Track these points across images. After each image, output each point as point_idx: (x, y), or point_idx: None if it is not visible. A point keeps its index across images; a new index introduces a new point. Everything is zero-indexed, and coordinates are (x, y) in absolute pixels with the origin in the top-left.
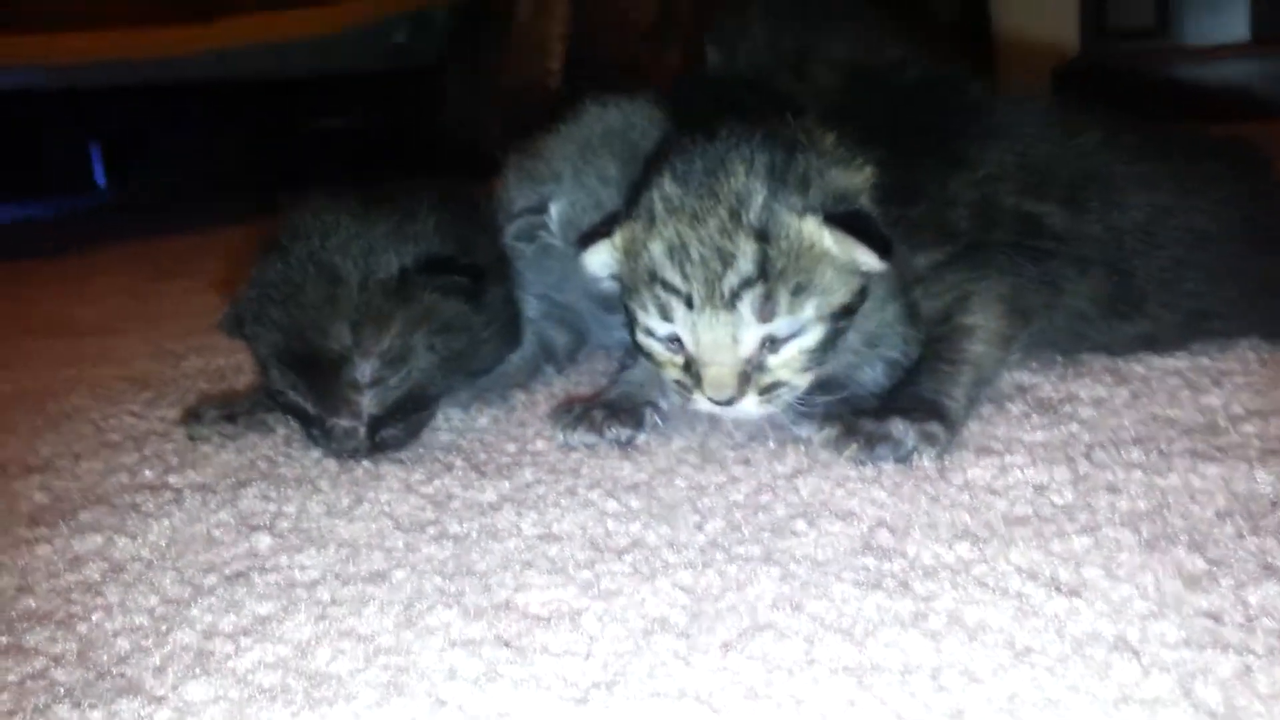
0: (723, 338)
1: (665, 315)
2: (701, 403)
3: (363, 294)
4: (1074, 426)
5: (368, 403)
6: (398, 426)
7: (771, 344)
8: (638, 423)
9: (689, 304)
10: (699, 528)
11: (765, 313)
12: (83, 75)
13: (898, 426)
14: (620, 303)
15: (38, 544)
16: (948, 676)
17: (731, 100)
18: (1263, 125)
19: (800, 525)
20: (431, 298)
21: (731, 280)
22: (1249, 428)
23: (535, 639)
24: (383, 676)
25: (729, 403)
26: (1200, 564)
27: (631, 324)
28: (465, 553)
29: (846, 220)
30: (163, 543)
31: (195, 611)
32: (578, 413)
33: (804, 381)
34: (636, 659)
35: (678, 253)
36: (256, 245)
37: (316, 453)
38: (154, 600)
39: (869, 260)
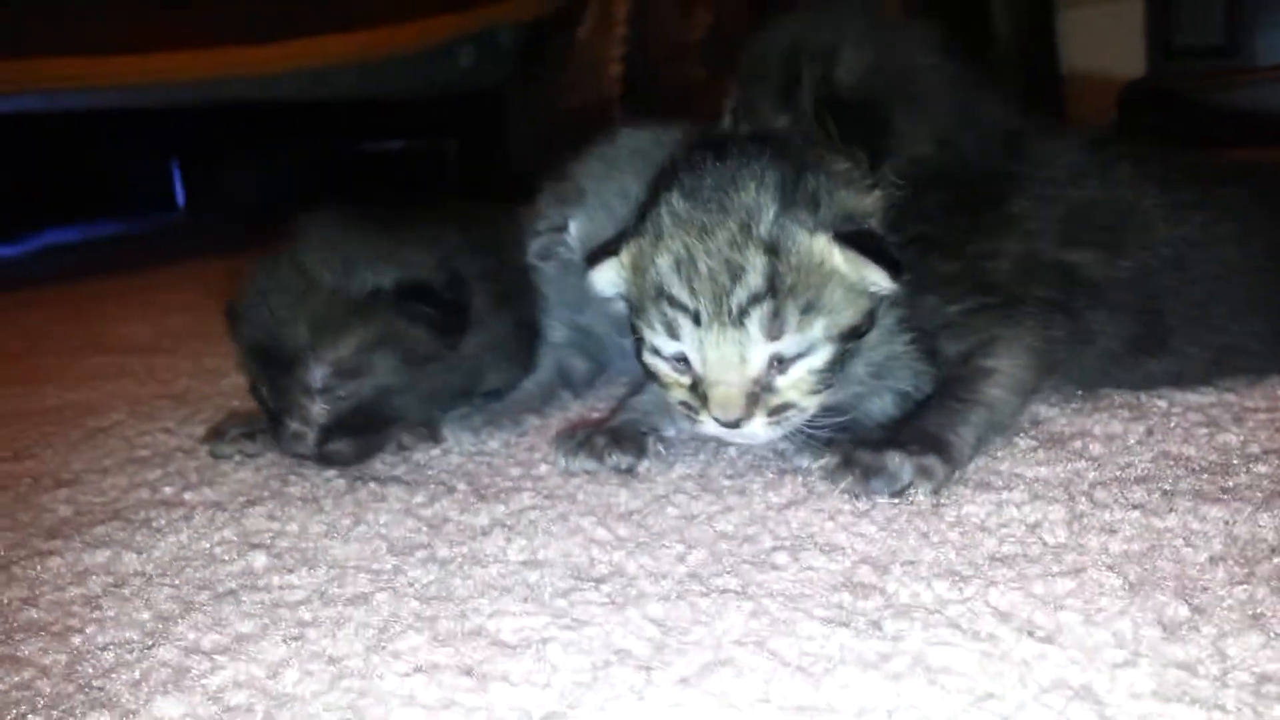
0: (730, 356)
1: (672, 333)
2: (708, 425)
3: (330, 302)
4: (1081, 463)
5: (318, 410)
6: (346, 442)
7: (780, 364)
8: (640, 450)
9: (696, 320)
10: (681, 559)
11: (774, 330)
12: (164, 95)
13: (894, 460)
14: (628, 323)
15: (50, 556)
16: (901, 719)
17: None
18: None
19: (782, 559)
20: (398, 322)
21: (740, 295)
22: (1262, 468)
23: (498, 667)
24: (343, 700)
25: (736, 424)
26: (1183, 611)
27: (638, 344)
28: (449, 577)
29: (856, 239)
30: (166, 558)
31: (181, 628)
32: (580, 439)
33: (812, 404)
34: (592, 691)
35: (685, 267)
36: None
37: (329, 472)
38: (146, 615)
39: (879, 279)
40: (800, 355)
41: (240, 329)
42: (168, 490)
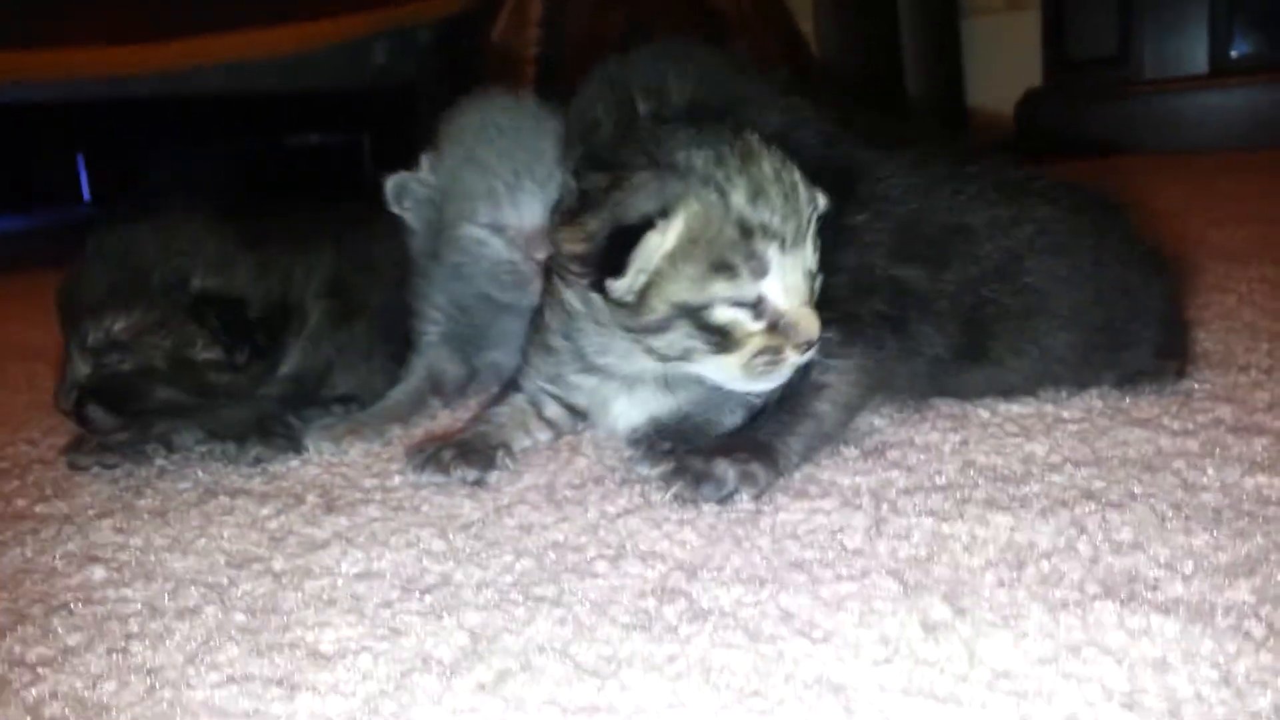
0: (802, 280)
1: (759, 271)
2: (790, 360)
3: (134, 277)
4: (895, 472)
5: (80, 368)
6: (102, 410)
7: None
8: (488, 463)
9: (783, 245)
10: (509, 568)
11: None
12: (70, 90)
13: (720, 466)
14: (664, 325)
15: None
16: (671, 716)
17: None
18: (1217, 156)
19: (601, 567)
20: (187, 322)
21: (807, 209)
22: (1057, 477)
23: (308, 677)
24: (154, 710)
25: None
26: (946, 613)
27: (698, 325)
28: (280, 590)
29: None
30: (8, 572)
31: (9, 641)
32: (429, 452)
33: None
34: (393, 698)
35: (760, 197)
36: None
37: (182, 484)
38: None
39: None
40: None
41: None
42: (20, 503)
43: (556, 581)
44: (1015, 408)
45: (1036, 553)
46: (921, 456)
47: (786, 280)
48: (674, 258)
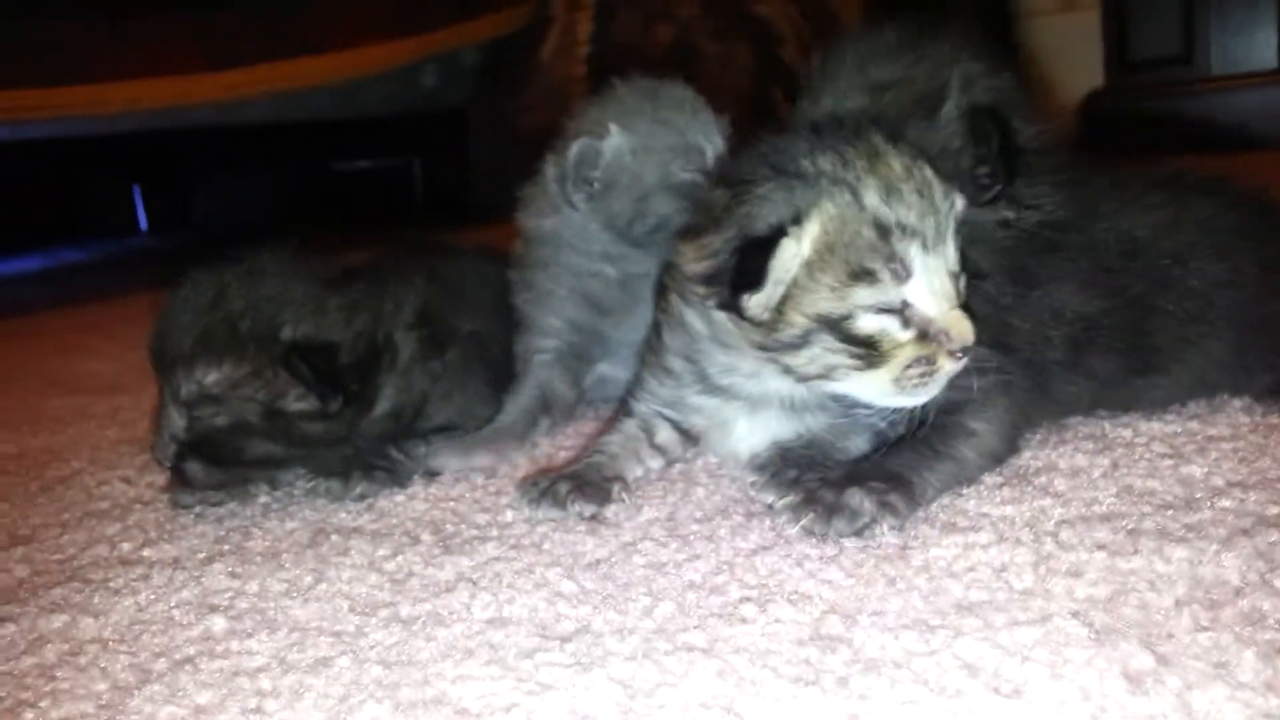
0: (949, 281)
1: (900, 274)
2: (945, 369)
3: (224, 327)
4: (1046, 500)
5: (177, 421)
6: (200, 465)
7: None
8: (604, 497)
9: (925, 245)
10: (648, 612)
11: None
12: (127, 123)
13: (855, 498)
14: (803, 340)
15: (4, 624)
16: None
17: None
18: None
19: (749, 610)
20: (278, 373)
21: (944, 205)
22: (1226, 502)
23: None
24: None
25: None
26: (1149, 662)
27: (842, 338)
28: (411, 638)
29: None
30: (124, 623)
31: (137, 700)
32: (544, 486)
33: None
34: None
35: (894, 195)
36: None
37: (289, 524)
38: (103, 686)
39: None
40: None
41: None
42: (126, 547)
43: (704, 628)
44: (1158, 425)
45: (1228, 589)
46: (1071, 482)
47: (932, 282)
48: (810, 267)
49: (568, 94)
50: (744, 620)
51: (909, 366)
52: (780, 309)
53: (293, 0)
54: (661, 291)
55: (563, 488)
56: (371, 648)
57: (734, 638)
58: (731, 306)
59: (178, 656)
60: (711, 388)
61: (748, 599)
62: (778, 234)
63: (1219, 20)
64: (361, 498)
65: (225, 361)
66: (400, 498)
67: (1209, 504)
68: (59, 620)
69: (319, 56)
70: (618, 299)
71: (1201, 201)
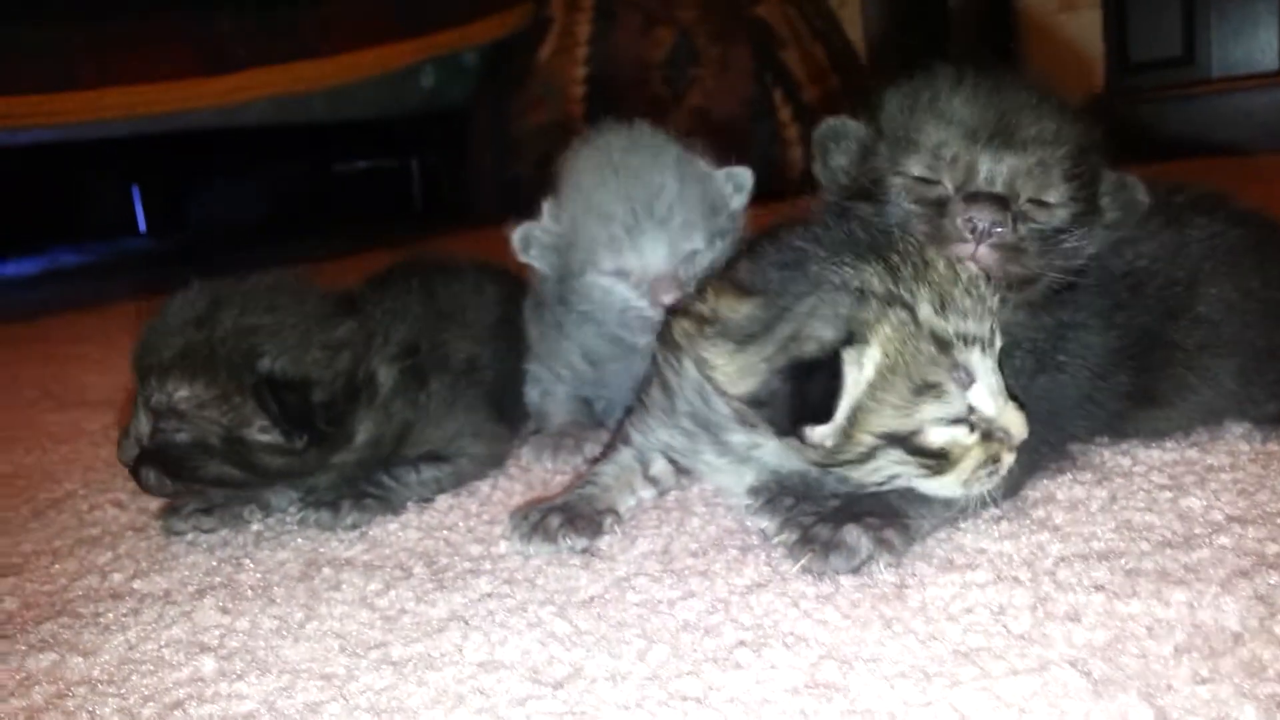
0: (998, 376)
1: (965, 382)
2: (1006, 463)
3: (204, 347)
4: (1044, 535)
5: (143, 426)
6: (156, 474)
7: None
8: (595, 530)
9: (984, 348)
10: (642, 656)
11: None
12: (128, 128)
13: (852, 534)
14: (868, 457)
15: None
16: None
17: None
18: None
19: (744, 655)
20: (249, 405)
21: (993, 301)
22: (1225, 540)
23: None
24: None
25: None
26: (1148, 715)
27: (910, 451)
28: (402, 682)
29: None
30: (114, 662)
31: None
32: (534, 520)
33: None
34: None
35: (948, 303)
36: None
37: (281, 555)
38: None
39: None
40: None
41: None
42: (117, 578)
43: (698, 674)
44: (1156, 454)
45: (1228, 636)
46: (1069, 515)
47: (990, 383)
48: (873, 388)
49: (567, 96)
50: (738, 666)
51: (978, 468)
52: (845, 430)
53: (291, 3)
54: (666, 342)
55: (554, 521)
56: (362, 692)
57: (727, 685)
58: (793, 434)
59: (167, 700)
60: (729, 452)
61: (742, 642)
62: (833, 357)
63: (1219, 22)
64: (353, 526)
65: (197, 380)
66: (394, 525)
67: (1208, 541)
68: (47, 659)
69: (317, 60)
70: (609, 351)
71: (1201, 222)
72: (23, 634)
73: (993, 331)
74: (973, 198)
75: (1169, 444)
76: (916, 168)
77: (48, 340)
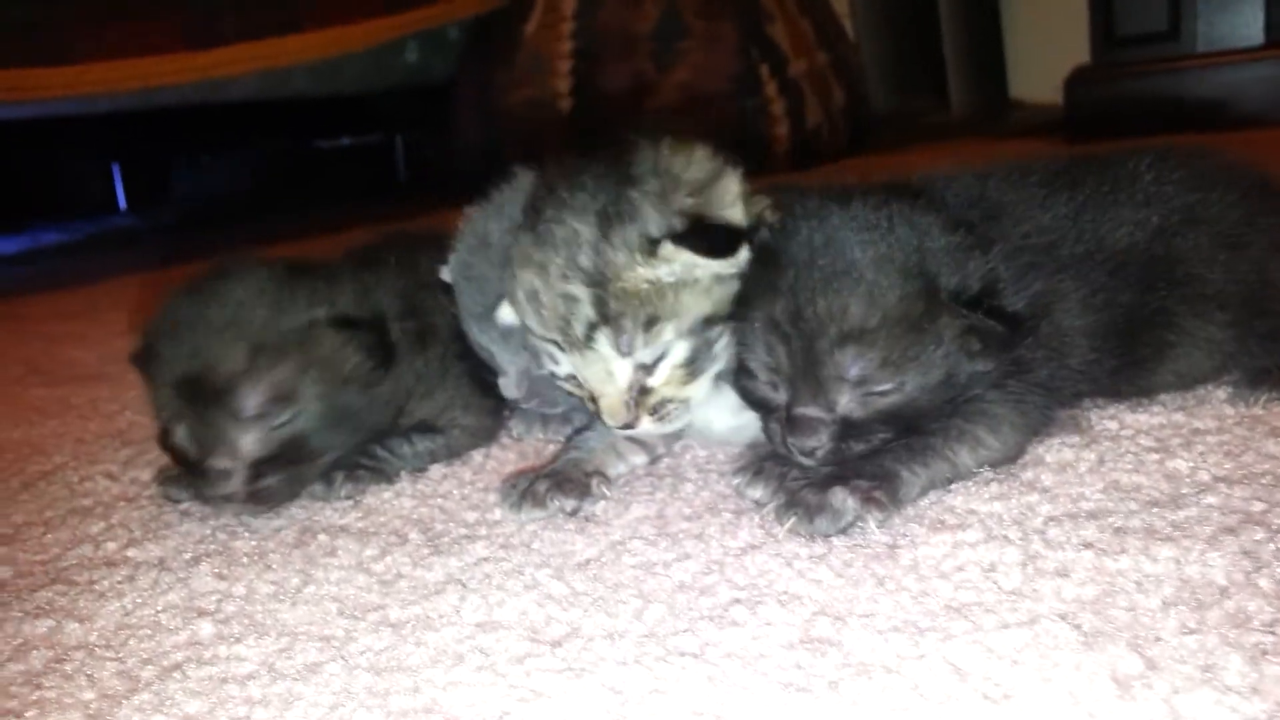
0: (598, 372)
1: (552, 357)
2: (611, 428)
3: (265, 328)
4: (1034, 496)
5: (250, 442)
6: (278, 478)
7: (645, 368)
8: (583, 492)
9: (559, 347)
10: (639, 615)
11: (624, 347)
12: (106, 102)
13: (838, 496)
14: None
15: None
16: None
17: None
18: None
19: (740, 613)
20: (333, 345)
21: (578, 326)
22: (1211, 499)
23: None
24: None
25: (628, 427)
26: (1137, 666)
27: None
28: (401, 643)
29: (689, 236)
30: (111, 627)
31: (126, 710)
32: (523, 487)
33: (694, 392)
34: None
35: (533, 301)
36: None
37: (277, 523)
38: (90, 695)
39: (712, 265)
40: (659, 359)
41: (157, 365)
42: (111, 547)
43: (694, 631)
44: (1144, 417)
45: (1214, 589)
46: (1058, 477)
47: (581, 372)
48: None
49: (553, 70)
50: (734, 623)
51: (591, 410)
52: None
53: None
54: None
55: (541, 486)
56: (361, 653)
57: (724, 642)
58: None
59: (166, 663)
60: None
61: (737, 600)
62: None
63: None
64: (347, 498)
65: (285, 356)
66: (388, 494)
67: (1195, 500)
68: (44, 625)
69: (301, 34)
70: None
71: (1184, 192)
72: (18, 601)
73: (572, 340)
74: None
75: (1155, 408)
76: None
77: (30, 318)
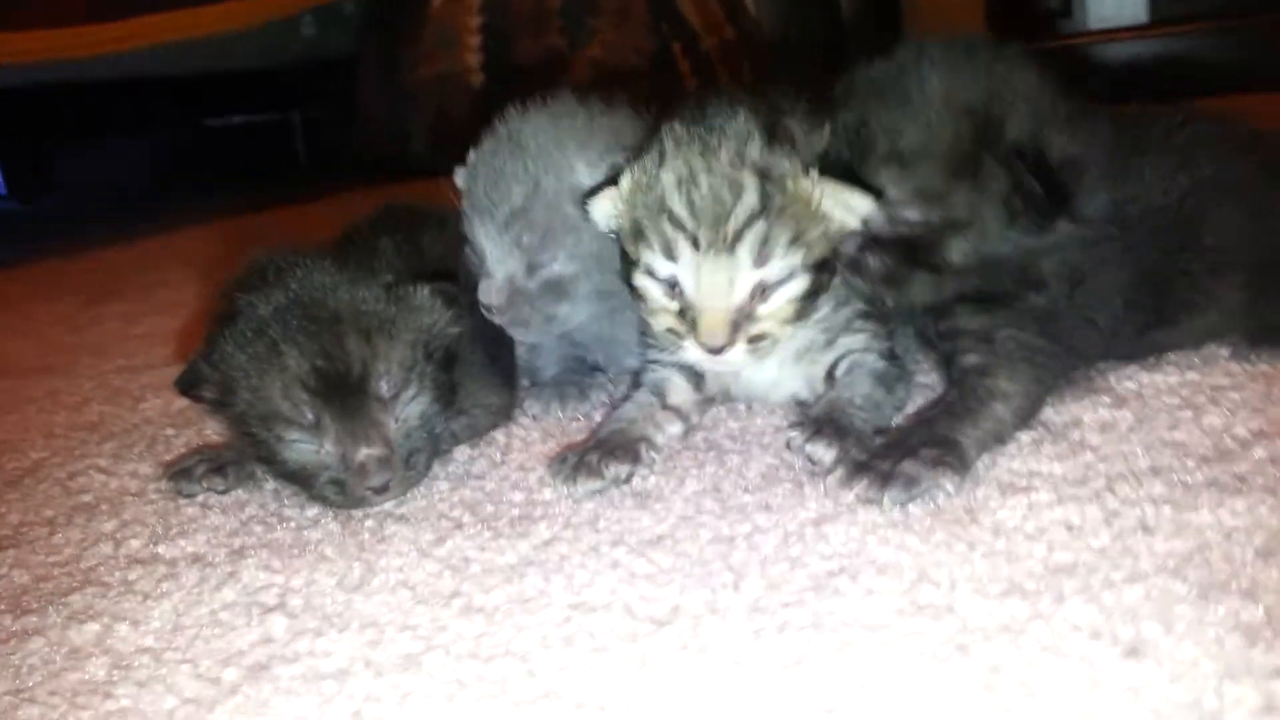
0: (721, 282)
1: (670, 254)
2: (691, 350)
3: (362, 308)
4: (1088, 456)
5: (396, 428)
6: (421, 456)
7: (762, 293)
8: (634, 459)
9: (695, 244)
10: (736, 588)
11: (762, 254)
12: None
13: (910, 465)
14: (619, 251)
15: (29, 637)
16: None
17: None
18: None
19: (842, 582)
20: (423, 300)
21: (739, 215)
22: (1260, 451)
23: None
24: None
25: (720, 350)
26: (1258, 614)
27: (629, 269)
28: (499, 628)
29: (839, 170)
30: (168, 629)
31: (219, 715)
32: (574, 461)
33: (787, 335)
34: None
35: (686, 184)
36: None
37: (311, 511)
38: (172, 702)
39: (862, 204)
40: (781, 283)
41: (259, 369)
42: (134, 544)
43: (802, 603)
44: (1159, 378)
45: None
46: (1103, 437)
47: (700, 278)
48: (628, 209)
49: (463, 45)
50: (838, 593)
51: (667, 328)
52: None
53: None
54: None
55: (593, 456)
56: (458, 640)
57: (837, 611)
58: None
59: (246, 663)
60: None
61: (834, 571)
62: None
63: None
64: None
65: (392, 327)
66: None
67: (1244, 455)
68: (91, 629)
69: (194, 9)
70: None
71: (1206, 150)
72: (51, 606)
73: (718, 237)
74: None
75: (1168, 368)
76: None
77: None
